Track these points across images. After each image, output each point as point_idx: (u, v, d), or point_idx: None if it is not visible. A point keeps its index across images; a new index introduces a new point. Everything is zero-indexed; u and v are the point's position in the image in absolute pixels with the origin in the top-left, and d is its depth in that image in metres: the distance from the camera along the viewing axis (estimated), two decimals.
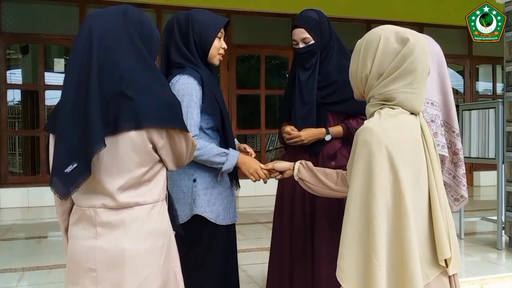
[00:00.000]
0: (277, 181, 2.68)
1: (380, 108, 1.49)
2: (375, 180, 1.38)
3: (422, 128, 1.50)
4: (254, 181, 2.26)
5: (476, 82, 9.26)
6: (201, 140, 2.12)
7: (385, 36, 1.49)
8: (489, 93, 9.55)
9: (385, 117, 1.45)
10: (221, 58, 2.28)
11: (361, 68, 1.53)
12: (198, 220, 2.14)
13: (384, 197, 1.37)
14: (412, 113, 1.50)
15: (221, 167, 2.15)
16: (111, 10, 1.54)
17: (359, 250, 1.39)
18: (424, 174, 1.45)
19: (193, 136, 2.06)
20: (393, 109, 1.48)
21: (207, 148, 2.12)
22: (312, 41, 2.44)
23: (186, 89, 2.09)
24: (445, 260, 1.45)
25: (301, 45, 2.46)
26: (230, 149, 2.19)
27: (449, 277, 1.49)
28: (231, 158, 2.16)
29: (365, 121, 1.48)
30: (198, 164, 2.15)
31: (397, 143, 1.40)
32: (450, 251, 1.44)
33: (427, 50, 1.51)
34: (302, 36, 2.44)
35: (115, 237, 1.48)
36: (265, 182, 2.27)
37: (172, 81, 2.12)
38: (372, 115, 1.51)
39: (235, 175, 2.29)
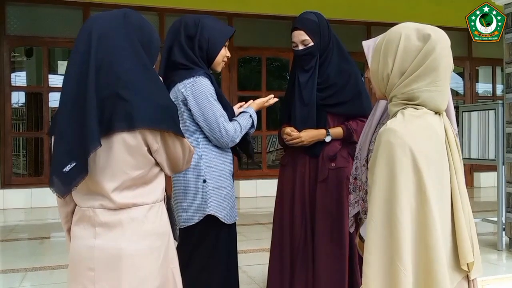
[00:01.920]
0: (277, 182, 2.71)
1: (403, 108, 1.45)
2: (398, 182, 1.34)
3: (445, 129, 1.46)
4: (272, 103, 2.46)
5: (476, 83, 9.23)
6: (230, 124, 2.20)
7: (406, 33, 1.45)
8: (489, 95, 9.50)
9: (409, 118, 1.41)
10: (223, 66, 2.34)
11: (382, 67, 1.49)
12: (206, 220, 2.17)
13: (408, 200, 1.33)
14: (436, 113, 1.46)
15: (253, 125, 2.33)
16: (112, 13, 1.55)
17: (383, 254, 1.35)
18: (447, 176, 1.41)
19: (228, 126, 2.15)
20: (417, 109, 1.43)
21: (240, 123, 2.24)
22: (311, 43, 2.45)
23: (206, 89, 2.15)
24: (468, 265, 1.42)
25: (301, 47, 2.48)
26: (246, 109, 2.34)
27: (469, 281, 1.46)
28: (253, 115, 2.33)
29: (388, 122, 1.43)
30: (208, 165, 2.19)
31: (421, 145, 1.36)
32: (473, 255, 1.40)
33: (449, 46, 1.47)
34: (301, 38, 2.46)
35: (113, 237, 1.49)
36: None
37: (185, 85, 2.15)
38: (394, 115, 1.46)
39: (247, 150, 2.39)
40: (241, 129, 2.23)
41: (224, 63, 2.32)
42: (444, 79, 1.45)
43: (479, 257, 1.47)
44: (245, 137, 2.32)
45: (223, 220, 2.19)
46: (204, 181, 2.17)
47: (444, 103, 1.47)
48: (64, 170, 1.41)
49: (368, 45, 1.88)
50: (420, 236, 1.34)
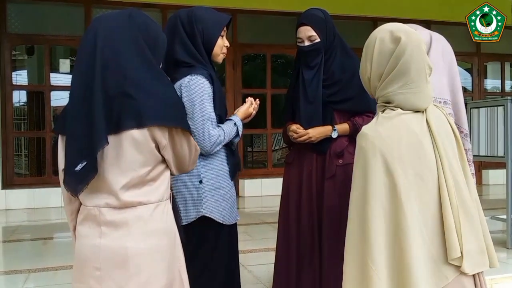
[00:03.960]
0: (282, 181, 2.67)
1: (382, 111, 1.50)
2: (370, 185, 1.39)
3: (429, 125, 1.46)
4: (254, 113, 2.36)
5: (484, 79, 9.20)
6: (216, 130, 2.13)
7: (380, 37, 1.49)
8: (498, 91, 9.48)
9: (381, 121, 1.46)
10: (224, 56, 2.28)
11: (364, 70, 1.55)
12: (203, 220, 2.14)
13: (381, 202, 1.39)
14: (417, 111, 1.48)
15: (238, 134, 2.24)
16: (117, 13, 1.58)
17: (357, 254, 1.41)
18: (433, 172, 1.43)
19: (212, 131, 2.09)
20: (393, 110, 1.47)
21: (224, 131, 2.16)
22: (318, 40, 2.44)
23: (201, 88, 2.10)
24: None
25: (307, 43, 2.46)
26: (231, 117, 2.26)
27: (474, 276, 1.45)
28: (238, 123, 2.24)
29: (363, 126, 1.50)
30: (205, 165, 2.15)
31: (392, 146, 1.40)
32: (459, 250, 1.41)
33: (421, 47, 1.49)
34: (308, 34, 2.44)
35: (119, 236, 1.50)
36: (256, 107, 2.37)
37: (182, 81, 2.12)
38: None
39: (237, 166, 2.32)
40: (224, 137, 2.16)
41: (223, 54, 2.26)
42: (418, 81, 1.47)
43: (481, 251, 1.46)
44: (232, 149, 2.27)
45: (220, 221, 2.16)
46: (201, 181, 2.14)
47: (422, 103, 1.48)
48: (76, 169, 1.45)
49: None
50: (394, 237, 1.39)
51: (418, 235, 1.38)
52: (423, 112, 1.48)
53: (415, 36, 1.49)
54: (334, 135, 2.46)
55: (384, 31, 1.50)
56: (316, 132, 2.44)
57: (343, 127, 2.48)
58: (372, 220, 1.38)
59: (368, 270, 1.37)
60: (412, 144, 1.42)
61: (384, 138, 1.41)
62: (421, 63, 1.47)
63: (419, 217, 1.39)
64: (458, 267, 1.42)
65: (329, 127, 2.46)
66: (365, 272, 1.38)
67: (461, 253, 1.41)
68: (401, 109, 1.46)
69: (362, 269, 1.39)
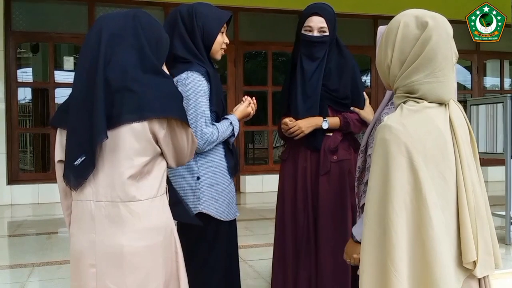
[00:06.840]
0: (279, 177, 2.66)
1: (404, 102, 1.40)
2: (392, 181, 1.30)
3: (452, 121, 1.38)
4: (253, 113, 2.35)
5: (484, 77, 9.17)
6: (209, 128, 2.11)
7: (404, 21, 1.41)
8: (497, 89, 9.46)
9: (406, 113, 1.35)
10: (223, 53, 2.27)
11: (383, 57, 1.45)
12: (201, 217, 2.12)
13: (403, 199, 1.30)
14: (441, 105, 1.40)
15: (233, 134, 2.21)
16: (121, 13, 1.61)
17: (376, 254, 1.33)
18: (452, 172, 1.35)
19: (206, 129, 2.07)
20: (417, 102, 1.38)
21: (218, 130, 2.14)
22: (327, 33, 2.41)
23: (196, 86, 2.09)
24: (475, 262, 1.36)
25: (316, 34, 2.41)
26: (227, 116, 2.23)
27: (479, 280, 1.40)
28: (234, 122, 2.22)
29: (386, 117, 1.38)
30: (202, 162, 2.15)
31: (418, 141, 1.31)
32: (476, 253, 1.35)
33: (449, 32, 1.41)
34: (320, 24, 2.40)
35: (114, 233, 1.49)
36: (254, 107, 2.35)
37: (179, 77, 2.11)
38: (396, 108, 1.42)
39: (236, 168, 2.31)
40: (218, 135, 2.14)
41: (223, 50, 2.25)
42: (444, 69, 1.38)
43: (490, 253, 1.41)
44: (231, 149, 2.26)
45: (218, 217, 2.15)
46: (198, 178, 2.13)
47: (447, 93, 1.40)
48: (75, 163, 1.46)
49: (382, 32, 1.84)
50: (416, 237, 1.31)
51: (442, 237, 1.30)
52: (445, 106, 1.40)
53: (443, 20, 1.41)
54: (325, 125, 2.42)
55: (408, 15, 1.42)
56: (306, 123, 2.41)
57: (334, 120, 2.44)
58: (394, 219, 1.29)
59: (388, 272, 1.29)
60: (437, 141, 1.34)
61: (410, 132, 1.31)
62: (448, 50, 1.39)
63: (442, 218, 1.31)
64: (467, 270, 1.36)
65: (320, 117, 2.42)
66: (384, 274, 1.30)
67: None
68: (425, 100, 1.37)
69: (381, 270, 1.31)
